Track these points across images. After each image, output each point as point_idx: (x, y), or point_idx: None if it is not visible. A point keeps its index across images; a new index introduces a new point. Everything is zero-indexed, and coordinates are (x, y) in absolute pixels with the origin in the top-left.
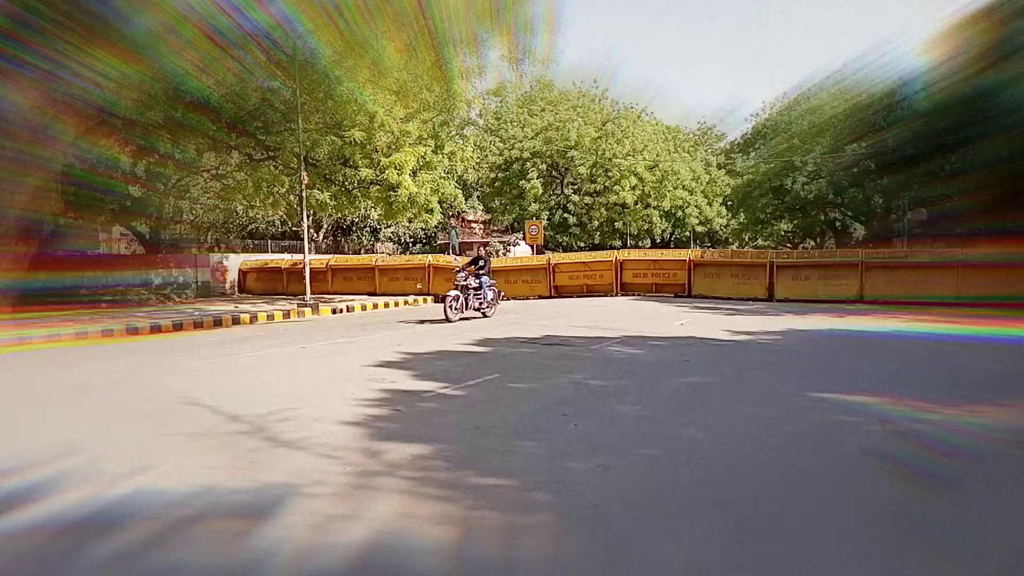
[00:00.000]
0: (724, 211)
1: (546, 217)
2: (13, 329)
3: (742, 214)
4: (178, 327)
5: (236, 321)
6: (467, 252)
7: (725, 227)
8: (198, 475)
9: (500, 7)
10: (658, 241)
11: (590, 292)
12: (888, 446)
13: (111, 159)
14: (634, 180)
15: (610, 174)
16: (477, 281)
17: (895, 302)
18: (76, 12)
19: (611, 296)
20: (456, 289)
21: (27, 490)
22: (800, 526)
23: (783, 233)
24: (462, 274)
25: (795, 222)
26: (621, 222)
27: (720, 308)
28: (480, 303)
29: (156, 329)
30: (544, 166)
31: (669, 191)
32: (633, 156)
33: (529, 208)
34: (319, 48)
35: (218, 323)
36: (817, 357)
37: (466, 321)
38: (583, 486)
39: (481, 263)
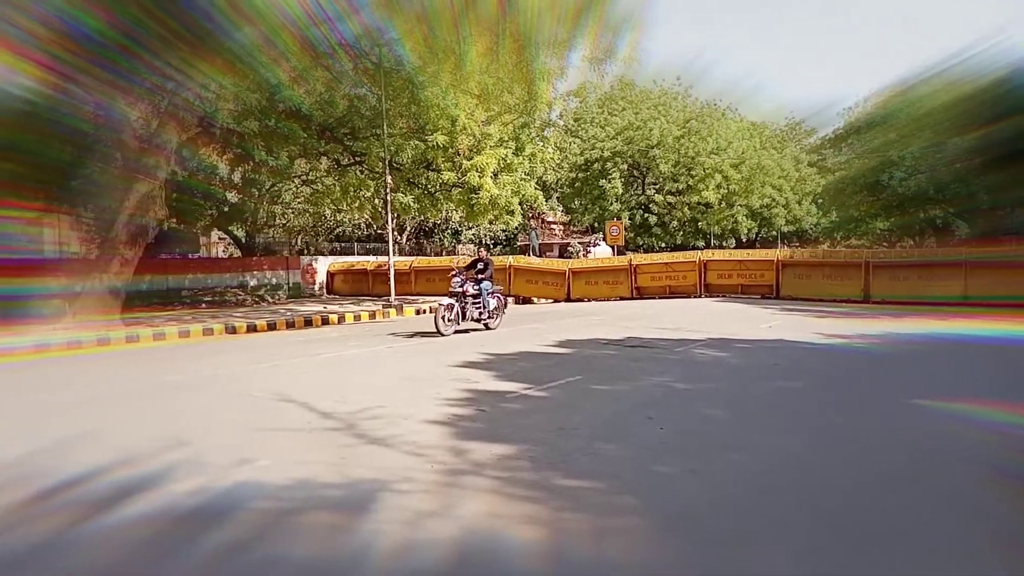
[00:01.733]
0: (814, 209)
1: (627, 217)
2: (123, 328)
3: (834, 212)
4: (272, 327)
5: (325, 321)
6: (547, 253)
7: (815, 226)
8: (294, 469)
9: (584, 8)
10: (743, 241)
11: (672, 293)
12: (1000, 457)
13: (210, 167)
14: (719, 178)
15: (693, 173)
16: (476, 287)
17: (1003, 303)
18: (182, 27)
19: (694, 298)
20: (451, 296)
21: (141, 481)
22: (906, 540)
23: (879, 232)
24: (457, 279)
25: (892, 220)
26: (704, 222)
27: (811, 310)
28: (480, 313)
29: (252, 329)
30: (625, 166)
31: (756, 189)
32: (718, 154)
33: (610, 208)
34: (404, 55)
35: (308, 323)
36: (918, 362)
37: (464, 334)
38: (671, 490)
39: (481, 266)
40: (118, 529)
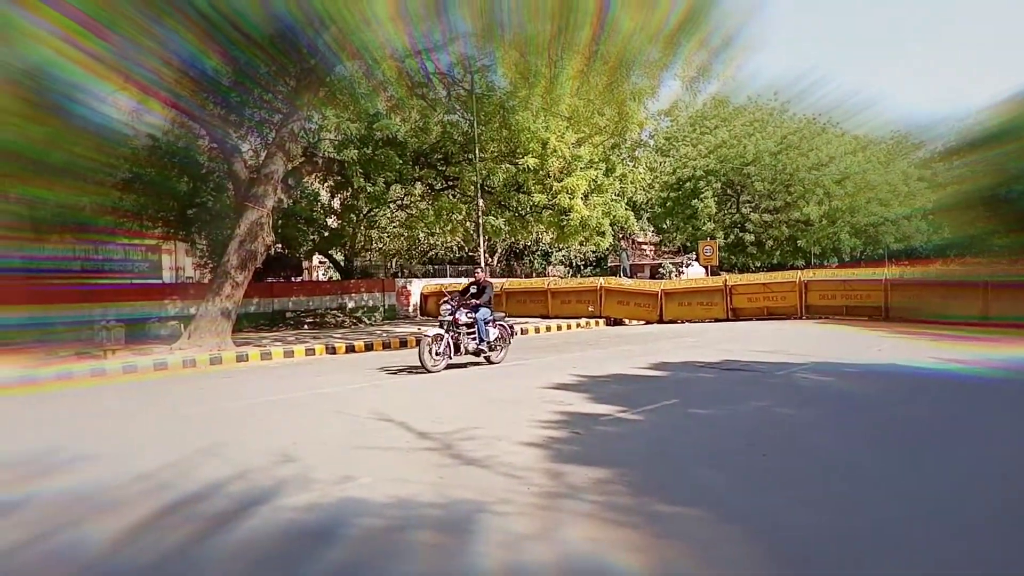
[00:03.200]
0: (924, 226)
1: (721, 237)
2: (233, 349)
3: (947, 229)
4: (368, 347)
5: (419, 342)
6: (638, 274)
7: (926, 243)
8: (394, 488)
9: (682, 31)
10: (846, 260)
11: (771, 315)
12: None
13: (313, 194)
14: (820, 194)
15: (792, 189)
16: (470, 316)
17: None
18: (290, 63)
19: (794, 319)
20: (441, 327)
21: (257, 495)
22: None
23: (997, 249)
24: (447, 307)
25: (1012, 237)
26: (804, 240)
27: (924, 333)
28: (478, 344)
29: (350, 349)
30: (718, 184)
31: (862, 206)
32: (819, 170)
33: (702, 228)
34: (495, 81)
35: (403, 344)
36: None
37: (464, 369)
38: (778, 521)
39: (474, 291)
40: (239, 545)
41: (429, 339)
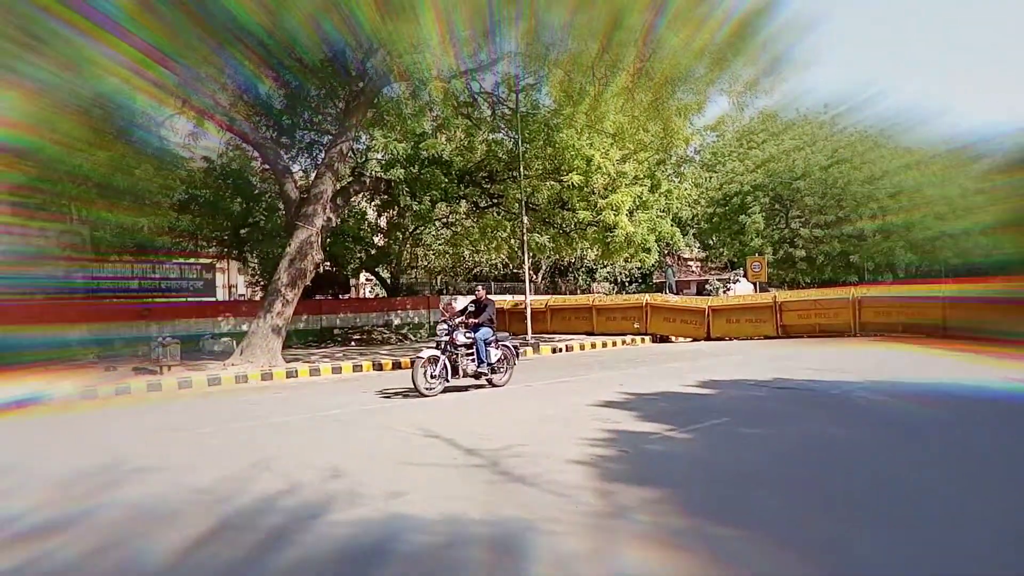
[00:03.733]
0: (984, 241)
1: (769, 252)
2: (283, 365)
3: (1007, 245)
4: (414, 363)
5: (413, 363)
6: (684, 290)
7: (986, 259)
8: (443, 504)
9: (727, 46)
10: (902, 276)
11: (823, 332)
12: None
13: (360, 213)
14: (874, 208)
15: (843, 203)
16: (469, 336)
17: None
18: (339, 86)
19: (848, 336)
20: (437, 347)
21: (309, 509)
22: None
23: None
24: (443, 326)
25: None
26: (857, 255)
27: (988, 350)
28: (478, 366)
29: (396, 365)
30: (766, 199)
31: (917, 220)
32: (871, 183)
33: (750, 244)
34: (540, 99)
35: None
36: None
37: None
38: (838, 546)
39: (471, 309)
40: (294, 562)
41: (424, 360)
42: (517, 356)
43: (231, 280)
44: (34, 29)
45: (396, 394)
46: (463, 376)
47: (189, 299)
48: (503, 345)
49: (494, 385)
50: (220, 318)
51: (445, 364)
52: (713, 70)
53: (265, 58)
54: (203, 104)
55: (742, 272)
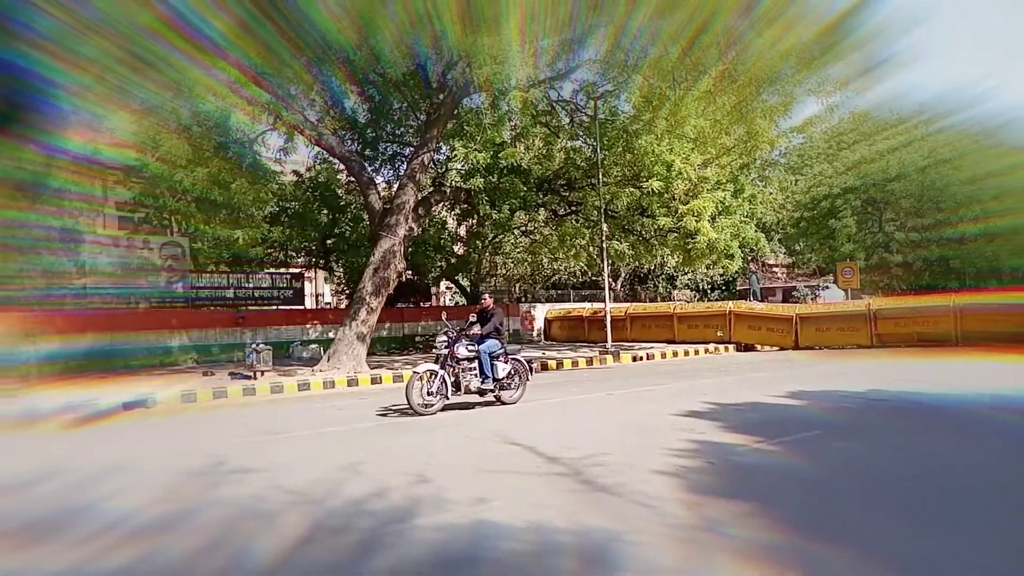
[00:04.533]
0: None
1: (861, 258)
2: (368, 371)
3: None
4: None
5: (544, 367)
6: (770, 298)
7: None
8: (526, 512)
9: (814, 45)
10: (1007, 281)
11: (922, 341)
12: None
13: (440, 222)
14: (976, 210)
15: (942, 206)
16: (472, 349)
17: None
18: (421, 99)
19: (949, 346)
20: (436, 361)
21: (397, 514)
22: None
23: None
24: (443, 338)
25: None
26: (957, 260)
27: None
28: (482, 382)
29: None
30: (858, 202)
31: None
32: (974, 183)
33: (840, 249)
34: (618, 105)
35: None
36: None
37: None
38: (944, 568)
39: (474, 320)
40: (390, 565)
41: (419, 376)
42: (531, 371)
43: (318, 289)
44: (143, 53)
45: (478, 403)
46: (465, 392)
47: (280, 307)
48: (514, 359)
49: (503, 403)
50: (308, 325)
51: (444, 379)
52: (801, 70)
53: (351, 74)
54: (293, 120)
55: (832, 278)
